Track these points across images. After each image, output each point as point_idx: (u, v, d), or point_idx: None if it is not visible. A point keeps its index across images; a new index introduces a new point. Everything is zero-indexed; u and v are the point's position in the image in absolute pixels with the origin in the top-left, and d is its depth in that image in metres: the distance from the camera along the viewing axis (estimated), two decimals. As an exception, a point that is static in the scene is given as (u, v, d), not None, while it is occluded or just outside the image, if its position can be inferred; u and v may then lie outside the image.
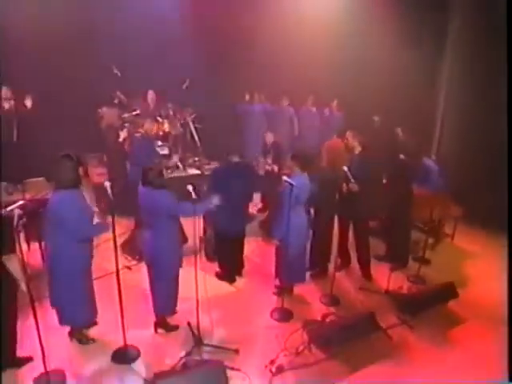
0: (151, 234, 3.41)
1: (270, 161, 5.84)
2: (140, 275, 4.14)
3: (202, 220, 4.54)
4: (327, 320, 3.87)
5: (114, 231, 3.09)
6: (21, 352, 3.19)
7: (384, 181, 4.98)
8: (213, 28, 6.98)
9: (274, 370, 3.26)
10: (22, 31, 5.97)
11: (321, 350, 3.50)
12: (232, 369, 3.18)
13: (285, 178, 3.63)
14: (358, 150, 4.43)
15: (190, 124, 6.84)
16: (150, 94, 6.52)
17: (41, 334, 2.89)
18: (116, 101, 6.36)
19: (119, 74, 6.27)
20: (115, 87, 6.37)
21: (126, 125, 6.24)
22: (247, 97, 7.42)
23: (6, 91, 5.88)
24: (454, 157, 6.68)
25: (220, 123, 7.08)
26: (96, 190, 4.48)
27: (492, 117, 6.18)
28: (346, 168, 3.89)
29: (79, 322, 3.39)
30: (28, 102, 5.93)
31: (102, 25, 6.27)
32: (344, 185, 4.13)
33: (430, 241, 5.58)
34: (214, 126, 7.01)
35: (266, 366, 3.29)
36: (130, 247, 4.83)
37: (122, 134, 6.06)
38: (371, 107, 6.93)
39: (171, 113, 6.61)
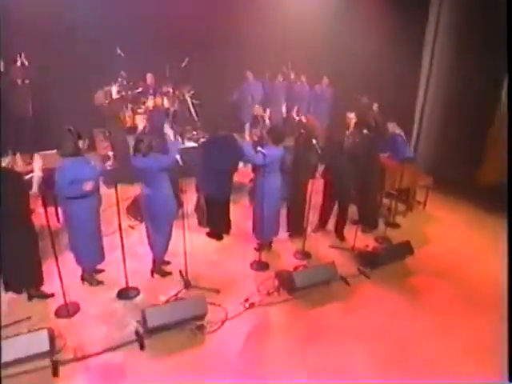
0: (148, 191, 4.17)
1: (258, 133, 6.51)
2: (141, 233, 4.95)
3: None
4: (296, 269, 4.65)
5: (116, 195, 3.86)
6: (45, 289, 4.09)
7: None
8: (210, 7, 7.51)
9: (247, 305, 4.09)
10: (33, 7, 6.56)
11: (287, 292, 4.30)
12: (213, 304, 4.01)
13: (259, 148, 4.35)
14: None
15: (188, 100, 7.53)
16: (149, 77, 7.19)
17: (62, 276, 3.74)
18: (120, 80, 7.03)
19: (123, 55, 6.91)
20: (119, 67, 7.04)
21: (130, 105, 6.96)
22: (249, 74, 8.03)
23: (18, 67, 6.49)
24: (433, 130, 7.29)
25: (217, 99, 7.75)
26: (103, 160, 5.29)
27: (470, 91, 6.69)
28: (314, 141, 4.57)
29: (90, 263, 4.25)
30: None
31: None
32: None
33: (402, 208, 6.33)
34: (212, 102, 7.68)
35: (241, 303, 4.12)
36: (133, 210, 5.64)
37: (127, 113, 6.82)
38: (355, 84, 7.48)
39: (170, 90, 7.29)
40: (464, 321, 4.06)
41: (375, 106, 6.60)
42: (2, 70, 6.26)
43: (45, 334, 3.26)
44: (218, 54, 7.71)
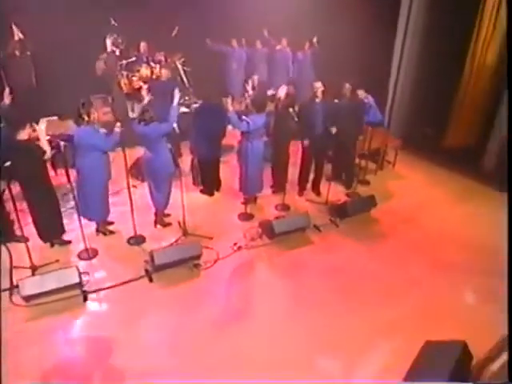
0: (149, 154, 4.94)
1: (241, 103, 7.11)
2: (142, 191, 5.75)
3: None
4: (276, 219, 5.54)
5: (125, 156, 4.62)
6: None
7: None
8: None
9: (235, 248, 5.02)
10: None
11: (268, 238, 5.22)
12: (207, 247, 4.92)
13: (243, 116, 5.10)
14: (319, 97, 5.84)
15: (180, 67, 8.10)
16: (143, 45, 7.71)
17: (82, 225, 4.60)
18: (114, 48, 7.53)
19: (116, 24, 7.40)
20: (111, 33, 7.52)
21: (124, 72, 7.53)
22: (234, 42, 8.55)
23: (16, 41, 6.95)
24: (405, 97, 8.04)
25: (207, 66, 8.31)
26: (104, 125, 5.97)
27: (438, 63, 7.38)
28: (291, 109, 5.33)
29: (100, 217, 5.10)
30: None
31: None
32: None
33: (373, 167, 7.19)
34: (202, 69, 8.25)
35: (230, 247, 5.04)
36: (135, 171, 6.41)
37: (123, 80, 7.41)
38: (333, 54, 8.10)
39: (163, 58, 7.84)
40: (413, 260, 5.01)
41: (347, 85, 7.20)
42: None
43: (74, 269, 4.15)
44: (205, 22, 8.17)
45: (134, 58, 7.63)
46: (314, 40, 8.76)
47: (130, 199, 4.85)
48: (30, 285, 3.99)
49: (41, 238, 4.82)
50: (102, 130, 4.80)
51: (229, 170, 6.64)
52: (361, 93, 6.58)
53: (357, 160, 6.74)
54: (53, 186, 4.80)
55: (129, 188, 4.83)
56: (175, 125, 4.84)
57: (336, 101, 5.91)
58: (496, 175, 6.70)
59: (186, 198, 5.09)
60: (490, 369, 3.43)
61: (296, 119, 5.29)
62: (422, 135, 7.59)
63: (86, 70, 7.66)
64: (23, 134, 4.46)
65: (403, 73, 7.96)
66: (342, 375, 3.53)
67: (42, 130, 4.58)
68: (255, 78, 7.27)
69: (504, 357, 3.44)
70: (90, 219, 5.06)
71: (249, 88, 6.21)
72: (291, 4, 8.08)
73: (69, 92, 7.43)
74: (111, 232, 5.23)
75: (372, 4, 7.74)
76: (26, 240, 4.81)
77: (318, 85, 5.89)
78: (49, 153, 4.74)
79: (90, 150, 4.60)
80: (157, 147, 4.90)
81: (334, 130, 5.69)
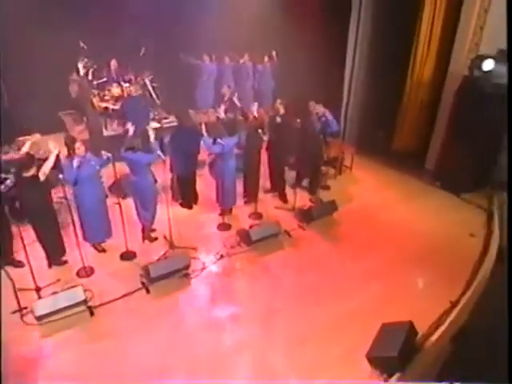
0: (136, 178, 5.57)
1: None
2: (126, 208, 6.34)
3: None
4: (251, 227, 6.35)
5: (116, 177, 5.23)
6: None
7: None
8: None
9: (218, 257, 5.79)
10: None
11: (246, 244, 6.03)
12: (193, 258, 5.65)
13: (218, 140, 5.85)
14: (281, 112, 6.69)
15: (148, 84, 8.65)
16: (113, 63, 8.20)
17: (80, 245, 5.19)
18: (85, 71, 7.96)
19: (85, 47, 7.82)
20: (82, 57, 7.95)
21: (96, 91, 7.99)
22: (205, 57, 9.22)
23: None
24: (358, 108, 9.10)
25: (175, 82, 8.92)
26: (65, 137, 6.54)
27: (387, 75, 8.42)
28: (260, 131, 6.14)
29: (104, 237, 5.72)
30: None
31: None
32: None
33: (333, 172, 8.17)
34: (170, 85, 8.85)
35: (214, 255, 5.81)
36: (116, 189, 6.93)
37: (95, 100, 7.89)
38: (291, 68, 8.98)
39: (132, 77, 8.37)
40: (371, 255, 5.99)
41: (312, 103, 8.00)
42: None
43: (80, 288, 4.77)
44: (171, 40, 8.77)
45: (105, 79, 8.10)
46: (273, 53, 9.60)
47: (122, 217, 5.48)
48: (42, 305, 4.59)
49: (48, 259, 5.36)
50: (92, 159, 5.35)
51: (203, 184, 7.33)
52: (319, 107, 7.50)
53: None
54: (54, 210, 5.35)
55: (120, 207, 5.45)
56: (160, 153, 5.49)
57: (298, 120, 6.78)
58: (437, 174, 7.89)
59: (165, 213, 5.75)
60: (430, 340, 4.49)
61: (265, 139, 6.11)
62: (374, 139, 8.65)
63: (54, 86, 8.03)
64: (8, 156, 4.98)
65: (355, 83, 8.99)
66: (315, 357, 4.41)
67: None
68: (226, 90, 8.00)
69: (439, 331, 4.52)
70: (94, 241, 5.67)
71: (221, 111, 6.94)
72: (251, 22, 8.83)
73: (38, 109, 7.87)
74: (103, 250, 5.82)
75: (323, 20, 8.68)
76: (22, 265, 5.37)
77: (278, 102, 6.77)
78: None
79: (89, 179, 5.17)
80: (143, 172, 5.55)
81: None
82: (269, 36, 9.11)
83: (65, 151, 6.48)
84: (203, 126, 5.97)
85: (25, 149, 5.37)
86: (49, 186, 5.30)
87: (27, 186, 4.99)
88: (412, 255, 5.95)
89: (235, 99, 6.96)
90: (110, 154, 5.23)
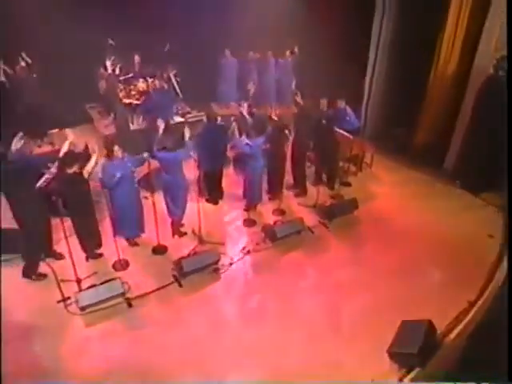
0: (168, 177, 5.89)
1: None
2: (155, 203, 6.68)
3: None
4: (275, 224, 6.67)
5: (148, 174, 5.57)
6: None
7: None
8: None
9: (244, 252, 6.14)
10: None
11: (270, 241, 6.37)
12: (221, 253, 6.01)
13: (246, 141, 6.13)
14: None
15: (173, 79, 8.90)
16: (136, 58, 8.46)
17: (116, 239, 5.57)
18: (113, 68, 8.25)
19: (113, 44, 8.10)
20: (110, 54, 8.25)
21: (122, 86, 8.28)
22: (227, 52, 9.43)
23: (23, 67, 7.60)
24: (379, 105, 9.26)
25: (199, 77, 9.17)
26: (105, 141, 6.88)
27: (409, 73, 8.55)
28: (286, 131, 6.41)
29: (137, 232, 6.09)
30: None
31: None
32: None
33: (353, 169, 8.40)
34: (194, 80, 9.11)
35: (240, 251, 6.15)
36: (145, 183, 7.28)
37: (121, 94, 8.18)
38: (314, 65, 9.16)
39: (157, 72, 8.62)
40: (390, 251, 6.29)
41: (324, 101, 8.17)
42: (9, 71, 7.37)
43: (119, 281, 5.17)
44: (194, 35, 8.97)
45: (131, 74, 8.37)
46: (295, 49, 9.76)
47: (155, 212, 5.83)
48: (86, 297, 4.99)
49: (86, 252, 5.77)
50: (129, 160, 5.67)
51: (227, 179, 7.63)
52: (340, 103, 7.72)
53: (341, 163, 7.93)
54: (93, 205, 5.72)
55: (154, 204, 5.80)
56: (192, 153, 5.80)
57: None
58: (456, 173, 8.07)
59: (196, 208, 6.10)
60: (448, 338, 4.81)
61: (290, 138, 6.40)
62: (394, 137, 8.84)
63: (81, 80, 8.34)
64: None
65: (376, 80, 9.14)
66: (338, 351, 4.75)
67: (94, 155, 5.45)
68: (251, 87, 8.24)
69: (457, 330, 4.83)
70: (127, 237, 6.06)
71: (245, 107, 7.19)
72: (275, 17, 9.00)
73: (66, 102, 8.22)
74: (136, 244, 6.20)
75: (347, 15, 8.79)
76: (62, 257, 5.79)
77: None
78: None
79: (124, 179, 5.50)
80: (175, 170, 5.87)
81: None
82: (291, 31, 9.27)
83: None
84: (235, 126, 6.26)
85: (65, 148, 5.69)
86: (89, 182, 5.65)
87: (70, 182, 5.35)
88: (430, 254, 6.21)
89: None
90: (146, 155, 5.55)
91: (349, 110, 7.77)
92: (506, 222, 6.99)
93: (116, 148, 5.55)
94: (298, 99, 7.47)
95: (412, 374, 4.46)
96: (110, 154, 5.46)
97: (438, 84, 8.39)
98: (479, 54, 7.59)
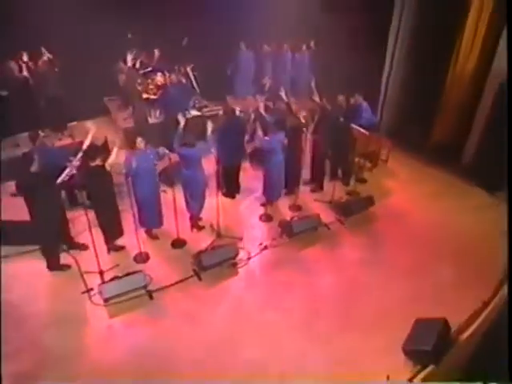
0: (188, 172, 6.03)
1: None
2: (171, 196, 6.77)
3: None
4: (292, 219, 6.78)
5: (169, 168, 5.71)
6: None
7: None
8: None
9: (262, 247, 6.28)
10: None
11: (287, 236, 6.50)
12: (240, 248, 6.16)
13: (265, 138, 6.23)
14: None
15: (190, 73, 8.99)
16: (156, 53, 8.56)
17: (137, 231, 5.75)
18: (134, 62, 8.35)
19: (132, 38, 8.21)
20: (129, 47, 8.34)
21: (140, 80, 8.39)
22: (242, 46, 9.49)
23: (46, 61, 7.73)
24: (395, 100, 9.26)
25: (215, 70, 9.26)
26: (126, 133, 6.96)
27: (427, 70, 8.53)
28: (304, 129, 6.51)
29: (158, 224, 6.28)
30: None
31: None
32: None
33: (369, 165, 8.46)
34: (210, 74, 9.19)
35: (258, 246, 6.30)
36: (164, 177, 7.44)
37: (140, 88, 8.30)
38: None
39: (175, 67, 8.72)
40: (405, 248, 6.40)
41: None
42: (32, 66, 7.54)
43: (141, 274, 5.35)
44: (212, 29, 9.03)
45: (150, 68, 8.49)
46: (312, 44, 9.77)
47: (175, 205, 5.98)
48: (110, 288, 5.19)
49: (107, 244, 5.96)
50: (152, 153, 5.82)
51: (243, 174, 7.73)
52: (358, 98, 7.76)
53: (356, 159, 7.99)
54: (115, 196, 5.88)
55: (174, 198, 5.95)
56: (212, 149, 5.94)
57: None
58: (473, 172, 8.09)
59: (213, 202, 6.26)
60: (462, 336, 4.92)
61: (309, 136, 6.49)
62: (410, 133, 8.85)
63: (100, 73, 8.48)
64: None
65: (394, 75, 9.12)
66: (354, 347, 4.88)
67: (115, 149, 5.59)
68: (267, 81, 8.31)
69: (471, 329, 4.93)
70: (148, 227, 6.27)
71: (261, 102, 7.27)
72: (291, 12, 9.00)
73: (85, 96, 8.36)
74: (156, 237, 6.37)
75: (366, 13, 8.75)
76: (85, 248, 5.99)
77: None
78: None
79: (146, 171, 5.67)
80: (195, 166, 6.01)
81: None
82: (309, 26, 9.28)
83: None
84: (252, 119, 6.36)
85: (87, 142, 5.84)
86: (111, 175, 5.80)
87: (93, 174, 5.53)
88: (445, 252, 6.29)
89: (282, 94, 7.24)
90: (167, 151, 5.69)
91: (366, 105, 7.83)
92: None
93: (139, 140, 5.71)
94: (317, 99, 7.48)
95: (426, 371, 4.60)
96: (132, 146, 5.62)
97: (457, 82, 8.40)
98: (499, 54, 7.55)
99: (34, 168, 5.08)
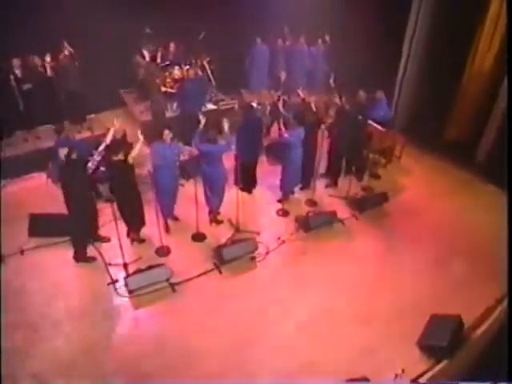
0: (208, 168, 6.18)
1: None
2: (190, 190, 6.87)
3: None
4: (309, 215, 6.95)
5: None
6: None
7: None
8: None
9: (279, 242, 6.46)
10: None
11: (303, 231, 6.68)
12: (259, 242, 6.34)
13: (286, 134, 6.37)
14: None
15: (207, 67, 9.08)
16: (172, 46, 8.66)
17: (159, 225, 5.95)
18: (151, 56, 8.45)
19: (149, 32, 8.31)
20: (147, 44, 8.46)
21: (157, 73, 8.50)
22: (258, 40, 9.57)
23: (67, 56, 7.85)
24: (410, 95, 9.32)
25: (231, 64, 9.34)
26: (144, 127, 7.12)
27: (443, 67, 8.57)
28: (322, 126, 6.62)
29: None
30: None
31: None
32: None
33: (383, 161, 8.57)
34: (226, 67, 9.28)
35: (276, 240, 6.48)
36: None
37: (158, 81, 8.42)
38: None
39: (192, 60, 8.81)
40: (419, 245, 6.56)
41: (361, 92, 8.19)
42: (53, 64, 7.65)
43: (164, 267, 5.56)
44: (227, 23, 9.10)
45: (168, 62, 8.59)
46: (327, 38, 9.82)
47: (196, 200, 6.16)
48: (134, 281, 5.41)
49: (130, 235, 6.18)
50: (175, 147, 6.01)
51: (259, 169, 7.86)
52: (379, 93, 7.85)
53: (371, 155, 8.11)
54: (138, 188, 6.03)
55: (196, 193, 6.12)
56: (233, 146, 6.09)
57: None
58: (486, 169, 8.18)
59: (232, 196, 6.43)
60: (476, 333, 5.11)
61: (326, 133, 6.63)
62: (424, 129, 8.93)
63: (117, 66, 8.55)
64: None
65: (409, 71, 9.17)
66: (377, 340, 5.09)
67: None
68: (282, 75, 8.43)
69: (484, 326, 5.11)
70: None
71: (276, 96, 7.39)
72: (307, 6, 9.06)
73: (102, 89, 8.48)
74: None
75: (383, 8, 8.78)
76: (108, 240, 6.20)
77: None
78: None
79: (169, 164, 5.92)
80: (216, 162, 6.16)
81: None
82: (325, 20, 9.30)
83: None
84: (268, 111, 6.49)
85: (110, 137, 5.99)
86: (134, 168, 5.96)
87: (116, 168, 5.71)
88: (458, 250, 6.45)
89: (299, 91, 7.35)
90: (190, 148, 5.86)
91: (384, 101, 7.91)
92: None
93: (166, 132, 5.88)
94: (337, 100, 7.51)
95: (440, 366, 4.79)
96: (159, 138, 5.80)
97: (474, 79, 8.44)
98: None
99: (74, 155, 5.33)
